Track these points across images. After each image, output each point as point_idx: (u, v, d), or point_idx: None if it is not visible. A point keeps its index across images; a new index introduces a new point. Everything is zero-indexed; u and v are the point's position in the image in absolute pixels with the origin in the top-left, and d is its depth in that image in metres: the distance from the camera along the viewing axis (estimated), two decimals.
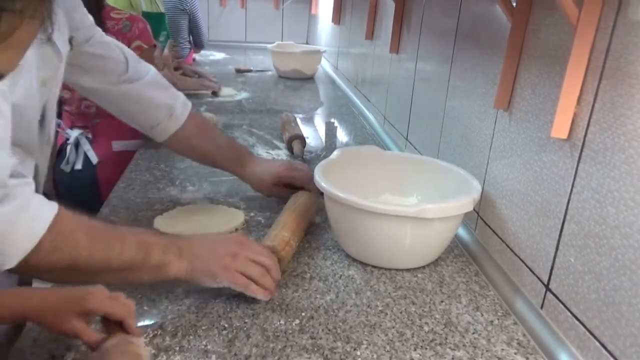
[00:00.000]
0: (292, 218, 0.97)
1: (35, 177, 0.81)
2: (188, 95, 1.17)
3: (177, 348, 0.70)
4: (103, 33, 0.99)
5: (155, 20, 2.23)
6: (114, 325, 0.64)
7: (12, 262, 0.61)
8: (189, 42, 3.04)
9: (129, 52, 1.03)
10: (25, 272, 0.70)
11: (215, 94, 2.21)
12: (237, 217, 1.08)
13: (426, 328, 0.78)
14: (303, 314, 0.79)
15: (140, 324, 0.74)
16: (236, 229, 1.04)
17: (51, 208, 0.65)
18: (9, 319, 0.61)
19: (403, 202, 1.09)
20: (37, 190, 0.69)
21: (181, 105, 1.08)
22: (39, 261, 0.63)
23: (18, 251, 0.61)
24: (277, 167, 1.12)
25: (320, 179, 0.93)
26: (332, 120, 2.04)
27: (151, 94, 1.04)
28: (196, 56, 3.17)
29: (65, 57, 0.83)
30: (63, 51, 0.81)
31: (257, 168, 1.11)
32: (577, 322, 0.71)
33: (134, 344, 0.62)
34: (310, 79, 2.75)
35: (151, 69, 1.07)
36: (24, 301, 0.62)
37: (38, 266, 0.64)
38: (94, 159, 1.58)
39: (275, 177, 1.10)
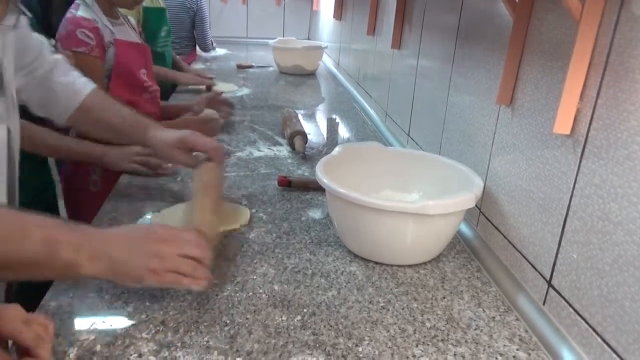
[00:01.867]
0: (210, 199, 0.94)
1: (9, 142, 0.80)
2: (172, 88, 1.16)
3: (179, 344, 0.70)
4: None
5: (155, 15, 2.23)
6: (25, 349, 0.57)
7: None
8: (192, 40, 3.03)
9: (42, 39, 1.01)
10: None
11: (209, 88, 2.23)
12: (242, 213, 1.08)
13: (428, 324, 0.78)
14: (305, 310, 0.79)
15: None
16: (241, 226, 1.04)
17: None
18: None
19: (405, 198, 1.09)
20: (11, 153, 0.68)
21: (82, 83, 1.06)
22: None
23: None
24: (181, 131, 1.05)
25: (322, 176, 0.93)
26: (334, 116, 2.04)
27: (56, 79, 1.02)
28: (198, 52, 3.17)
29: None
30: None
31: (161, 132, 1.06)
32: (579, 319, 0.70)
33: None
34: (311, 74, 2.74)
35: (56, 56, 1.05)
36: None
37: None
38: None
39: (179, 140, 1.03)
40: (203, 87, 2.26)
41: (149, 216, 1.05)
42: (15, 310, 0.56)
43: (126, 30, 1.56)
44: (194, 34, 3.03)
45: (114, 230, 0.76)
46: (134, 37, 1.59)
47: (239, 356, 0.69)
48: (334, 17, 2.78)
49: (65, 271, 0.67)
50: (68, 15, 1.42)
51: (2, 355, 0.55)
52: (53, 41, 1.38)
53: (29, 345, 0.55)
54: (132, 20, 1.66)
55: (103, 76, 1.45)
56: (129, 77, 1.52)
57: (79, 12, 1.42)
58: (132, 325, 0.74)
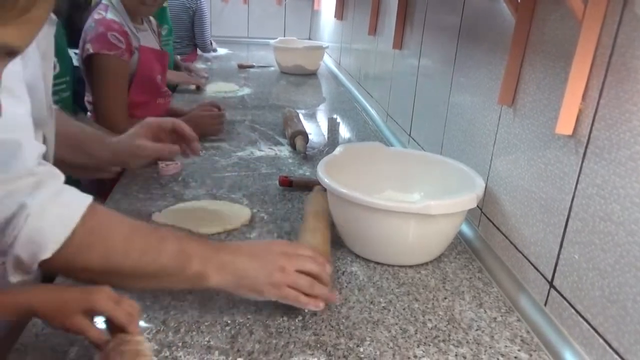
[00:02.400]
0: (323, 224, 0.95)
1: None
2: (173, 88, 1.16)
3: (180, 344, 0.70)
4: None
5: (156, 13, 2.23)
6: (116, 325, 0.63)
7: (46, 253, 0.60)
8: (193, 39, 3.03)
9: None
10: (60, 270, 0.69)
11: (199, 88, 2.22)
12: (243, 213, 1.07)
13: (429, 325, 0.78)
14: (306, 310, 0.79)
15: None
16: (242, 226, 1.04)
17: (85, 199, 0.65)
18: (16, 315, 0.61)
19: (406, 198, 1.08)
20: (46, 159, 0.71)
21: None
22: (72, 257, 0.63)
23: (53, 240, 0.61)
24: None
25: (324, 176, 0.92)
26: (335, 116, 2.04)
27: None
28: (199, 51, 3.17)
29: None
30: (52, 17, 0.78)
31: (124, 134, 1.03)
32: (581, 319, 0.70)
33: (133, 342, 0.61)
34: (312, 74, 2.74)
35: None
36: (30, 297, 0.62)
37: (71, 263, 0.64)
38: None
39: (157, 124, 1.03)
40: (193, 87, 2.26)
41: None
42: (107, 291, 0.63)
43: (149, 36, 1.58)
44: (194, 34, 3.03)
45: (238, 244, 0.82)
46: (155, 43, 1.60)
47: (240, 356, 0.69)
48: (335, 17, 2.78)
49: (194, 281, 0.71)
50: (97, 16, 1.43)
51: (95, 330, 0.61)
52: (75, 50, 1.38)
53: (121, 321, 0.61)
54: (154, 21, 1.66)
55: (127, 80, 1.47)
56: (148, 83, 1.55)
57: (108, 14, 1.43)
58: None
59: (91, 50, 1.39)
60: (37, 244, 0.60)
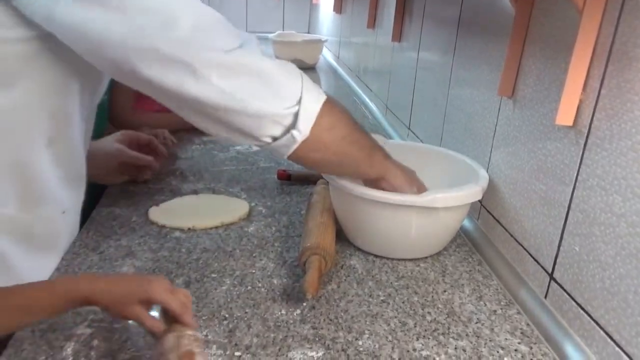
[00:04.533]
0: (331, 219, 0.95)
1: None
2: None
3: None
4: None
5: None
6: (170, 316, 0.65)
7: (307, 127, 0.73)
8: None
9: None
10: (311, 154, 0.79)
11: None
12: (241, 207, 1.07)
13: (429, 318, 0.77)
14: (304, 303, 0.78)
15: None
16: (240, 220, 1.03)
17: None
18: (72, 304, 0.62)
19: None
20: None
21: None
22: (320, 134, 0.74)
23: (313, 111, 0.73)
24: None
25: None
26: None
27: None
28: None
29: None
30: None
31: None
32: (581, 312, 0.70)
33: (186, 340, 0.62)
34: (311, 68, 2.73)
35: None
36: (92, 286, 0.63)
37: (321, 141, 0.76)
38: None
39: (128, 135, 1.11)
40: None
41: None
42: (163, 281, 0.65)
43: None
44: None
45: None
46: None
47: (238, 350, 0.68)
48: (333, 10, 2.76)
49: (377, 162, 0.87)
50: None
51: (151, 319, 0.63)
52: None
53: (176, 311, 0.63)
54: None
55: None
56: None
57: None
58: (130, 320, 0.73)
59: None
60: (315, 89, 0.74)
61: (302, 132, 0.73)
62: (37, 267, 0.78)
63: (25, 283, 0.61)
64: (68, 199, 0.83)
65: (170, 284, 0.66)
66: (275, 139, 0.74)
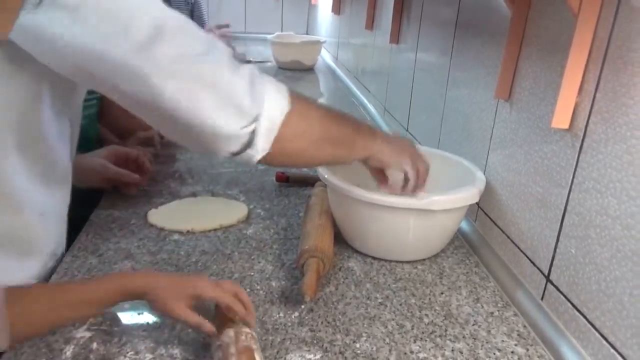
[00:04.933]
0: (329, 221, 0.95)
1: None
2: None
3: (176, 341, 0.70)
4: None
5: None
6: (224, 315, 0.67)
7: (287, 105, 0.70)
8: None
9: None
10: (294, 142, 0.74)
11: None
12: (240, 210, 1.07)
13: (426, 320, 0.78)
14: (302, 306, 0.79)
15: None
16: (238, 222, 1.03)
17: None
18: (122, 296, 0.65)
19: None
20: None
21: None
22: (284, 145, 0.71)
23: (285, 97, 0.70)
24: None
25: (324, 171, 0.92)
26: None
27: None
28: None
29: None
30: None
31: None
32: (577, 314, 0.70)
33: (244, 336, 0.64)
34: (310, 69, 2.73)
35: None
36: (145, 279, 0.67)
37: (287, 152, 0.73)
38: None
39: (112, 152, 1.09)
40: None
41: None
42: (207, 278, 0.69)
43: None
44: None
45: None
46: None
47: None
48: (332, 11, 2.76)
49: (366, 143, 0.83)
50: None
51: (196, 316, 0.65)
52: None
53: (225, 303, 0.66)
54: None
55: None
56: None
57: None
58: (129, 322, 0.73)
59: None
60: (279, 99, 0.69)
61: (260, 150, 0.69)
62: (14, 271, 0.76)
63: (78, 279, 0.68)
64: (46, 202, 0.80)
65: (213, 280, 0.69)
66: (235, 154, 0.71)
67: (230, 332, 0.64)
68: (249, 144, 0.69)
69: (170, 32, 0.63)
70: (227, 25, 2.66)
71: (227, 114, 0.66)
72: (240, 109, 0.67)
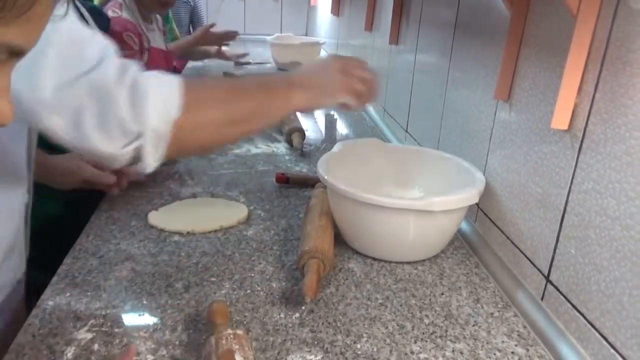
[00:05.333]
0: (330, 223, 0.95)
1: (28, 144, 0.81)
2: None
3: (177, 342, 0.70)
4: None
5: None
6: (211, 319, 0.68)
7: (176, 110, 0.65)
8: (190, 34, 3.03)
9: None
10: (193, 138, 0.71)
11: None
12: (240, 211, 1.07)
13: (426, 320, 0.78)
14: (303, 307, 0.79)
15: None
16: (239, 223, 1.03)
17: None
18: None
19: (405, 194, 1.08)
20: (30, 154, 0.76)
21: None
22: (180, 147, 0.68)
23: (176, 98, 0.65)
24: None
25: (324, 173, 0.92)
26: (332, 112, 2.04)
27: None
28: None
29: None
30: None
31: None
32: (577, 314, 0.70)
33: (224, 340, 0.64)
34: None
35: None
36: None
37: (186, 149, 0.71)
38: None
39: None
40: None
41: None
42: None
43: (157, 35, 1.56)
44: (190, 30, 3.02)
45: (301, 71, 0.90)
46: (162, 42, 1.59)
47: None
48: (331, 12, 2.77)
49: (282, 104, 0.79)
50: (112, 14, 1.41)
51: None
52: None
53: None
54: (160, 19, 1.65)
55: None
56: None
57: (124, 13, 1.41)
58: (130, 324, 0.73)
59: None
60: (162, 108, 0.63)
61: (150, 164, 0.66)
62: None
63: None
64: None
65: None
66: (129, 165, 0.68)
67: (211, 340, 0.64)
68: (135, 160, 0.66)
69: (51, 61, 0.59)
70: (245, 55, 2.69)
71: (107, 136, 0.62)
72: (120, 127, 0.62)
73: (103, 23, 1.35)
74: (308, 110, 0.81)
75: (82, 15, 1.10)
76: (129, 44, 1.39)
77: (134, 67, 0.65)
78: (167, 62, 1.61)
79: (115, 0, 1.45)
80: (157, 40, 1.56)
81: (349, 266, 0.91)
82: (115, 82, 0.62)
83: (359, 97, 0.87)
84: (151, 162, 0.66)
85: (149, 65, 1.49)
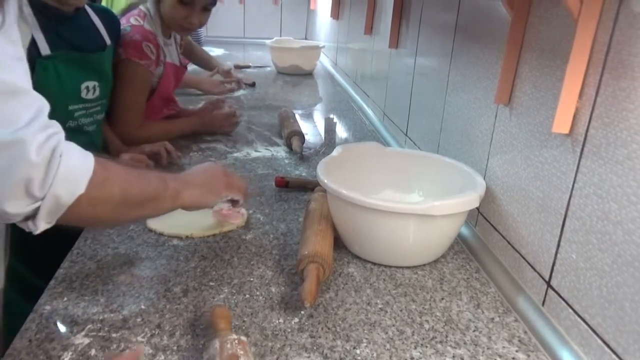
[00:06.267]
0: (330, 226, 0.95)
1: None
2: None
3: (175, 347, 0.69)
4: None
5: None
6: (214, 322, 0.69)
7: (81, 187, 0.64)
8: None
9: None
10: (80, 214, 0.69)
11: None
12: (239, 215, 1.07)
13: (426, 326, 0.77)
14: (302, 312, 0.78)
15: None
16: (238, 228, 1.03)
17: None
18: None
19: (405, 199, 1.08)
20: None
21: None
22: (96, 193, 0.67)
23: (84, 175, 0.65)
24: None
25: (324, 177, 0.92)
26: (331, 116, 2.03)
27: None
28: None
29: None
30: None
31: None
32: (579, 319, 0.70)
33: (229, 344, 0.64)
34: (309, 74, 2.73)
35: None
36: None
37: (95, 200, 0.68)
38: None
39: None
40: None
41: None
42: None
43: (173, 50, 1.58)
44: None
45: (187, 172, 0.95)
46: (176, 57, 1.60)
47: None
48: (331, 16, 2.77)
49: (173, 200, 0.81)
50: (134, 22, 1.42)
51: None
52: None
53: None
54: (177, 35, 1.65)
55: (148, 91, 1.47)
56: (165, 96, 1.58)
57: (146, 24, 1.43)
58: (128, 328, 0.73)
59: (123, 56, 1.38)
60: (72, 181, 0.64)
61: (40, 227, 0.64)
62: None
63: None
64: None
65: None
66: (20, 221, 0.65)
67: (215, 343, 0.64)
68: (28, 218, 0.64)
69: None
70: (248, 66, 2.68)
71: (14, 198, 0.61)
72: (27, 192, 0.61)
73: (114, 24, 1.36)
74: (196, 208, 0.83)
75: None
76: (147, 54, 1.40)
77: (59, 134, 0.63)
78: (177, 78, 1.63)
79: (140, 9, 1.46)
80: (172, 55, 1.57)
81: (349, 271, 0.91)
82: (33, 143, 0.60)
83: (243, 193, 0.95)
84: (42, 225, 0.65)
85: (164, 79, 1.51)
